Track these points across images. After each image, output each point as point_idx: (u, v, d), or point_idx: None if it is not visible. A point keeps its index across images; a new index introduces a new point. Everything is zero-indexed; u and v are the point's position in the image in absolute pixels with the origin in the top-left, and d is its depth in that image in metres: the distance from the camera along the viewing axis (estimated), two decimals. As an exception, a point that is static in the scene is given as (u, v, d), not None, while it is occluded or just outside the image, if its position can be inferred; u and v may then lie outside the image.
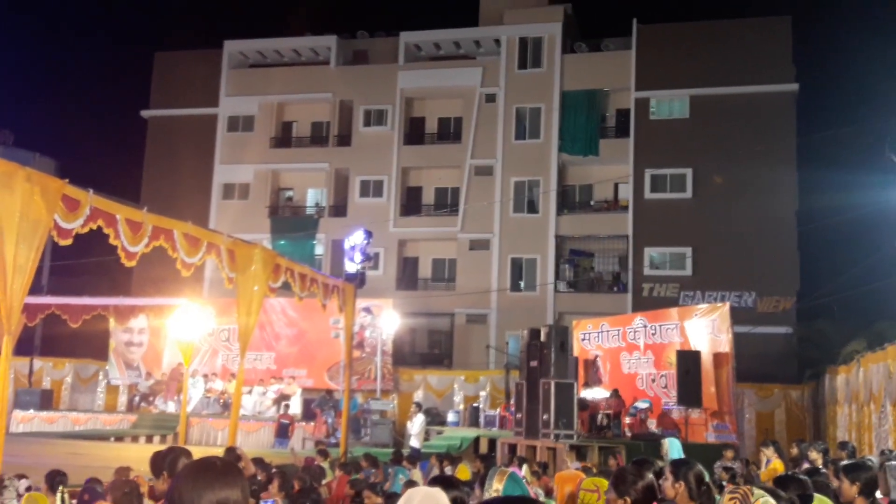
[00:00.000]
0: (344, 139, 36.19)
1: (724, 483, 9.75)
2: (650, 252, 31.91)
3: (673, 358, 19.62)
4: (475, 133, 34.46)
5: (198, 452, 2.56)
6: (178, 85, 37.29)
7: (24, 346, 24.96)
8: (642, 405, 19.29)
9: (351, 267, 17.66)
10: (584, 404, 18.32)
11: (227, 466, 2.47)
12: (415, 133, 36.32)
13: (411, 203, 35.73)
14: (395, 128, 35.45)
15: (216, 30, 35.70)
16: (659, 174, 32.08)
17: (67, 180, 10.07)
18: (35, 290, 18.13)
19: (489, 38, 35.67)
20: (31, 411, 22.75)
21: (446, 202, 35.48)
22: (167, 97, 37.57)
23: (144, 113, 38.19)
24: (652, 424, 18.82)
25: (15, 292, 8.84)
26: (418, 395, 26.01)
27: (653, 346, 21.20)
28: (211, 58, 37.23)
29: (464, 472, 11.84)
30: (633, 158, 32.48)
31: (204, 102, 37.02)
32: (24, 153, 38.58)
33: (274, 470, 9.25)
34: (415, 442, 20.05)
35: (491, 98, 34.73)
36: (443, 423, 23.71)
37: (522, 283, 33.18)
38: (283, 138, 37.33)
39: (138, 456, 5.12)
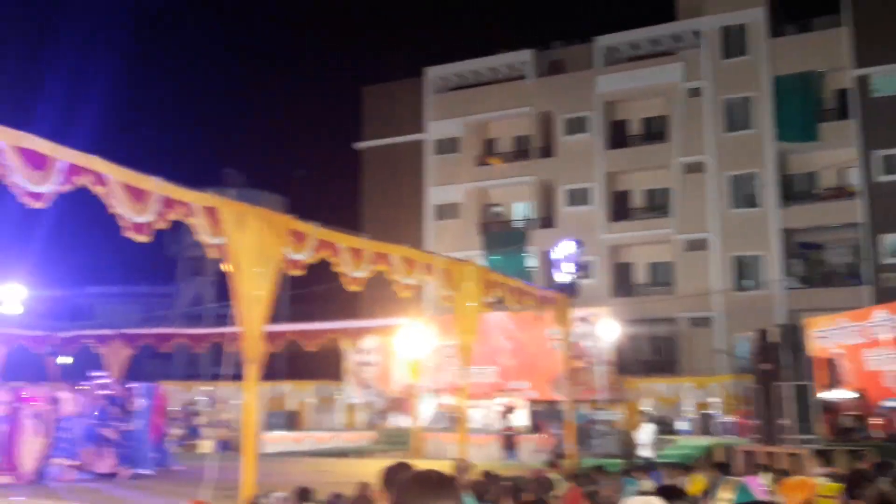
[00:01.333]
0: (546, 150, 36.26)
1: None
2: (888, 239, 29.37)
3: (924, 351, 17.90)
4: (681, 130, 33.37)
5: (430, 466, 2.69)
6: (386, 115, 38.99)
7: (270, 371, 26.94)
8: (891, 404, 17.74)
9: (561, 277, 17.62)
10: (825, 406, 17.13)
11: (442, 479, 2.63)
12: (618, 136, 35.74)
13: (620, 208, 35.14)
14: (597, 134, 35.08)
15: (416, 59, 37.09)
16: (891, 154, 29.54)
17: (294, 216, 10.82)
18: (277, 318, 19.56)
19: (688, 32, 34.52)
20: (280, 432, 24.44)
21: (657, 204, 34.58)
22: (377, 128, 39.39)
23: (357, 145, 40.21)
24: (904, 424, 17.24)
25: (254, 322, 9.60)
26: (645, 404, 25.39)
27: (899, 340, 19.42)
28: (414, 86, 38.63)
29: (698, 482, 11.40)
30: (858, 140, 30.14)
31: (411, 129, 38.45)
32: (255, 193, 41.88)
33: (503, 482, 9.37)
34: (646, 452, 19.57)
35: (695, 92, 33.54)
36: (671, 431, 23.00)
37: (748, 282, 31.62)
38: (488, 155, 38.00)
39: (377, 471, 5.37)
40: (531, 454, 21.43)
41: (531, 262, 35.22)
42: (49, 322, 26.91)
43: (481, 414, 23.40)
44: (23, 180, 7.82)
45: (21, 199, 7.89)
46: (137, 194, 8.77)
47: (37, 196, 7.95)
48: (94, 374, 17.47)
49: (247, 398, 10.03)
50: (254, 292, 9.56)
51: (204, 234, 9.55)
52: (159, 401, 16.99)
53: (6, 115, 7.84)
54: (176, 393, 25.05)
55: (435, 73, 38.67)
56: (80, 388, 15.77)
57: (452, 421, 23.19)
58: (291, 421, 25.84)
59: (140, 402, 16.05)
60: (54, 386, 15.27)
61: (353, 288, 11.94)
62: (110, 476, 14.71)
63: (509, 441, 21.54)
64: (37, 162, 7.96)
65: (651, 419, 20.77)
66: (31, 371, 20.63)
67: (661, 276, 34.28)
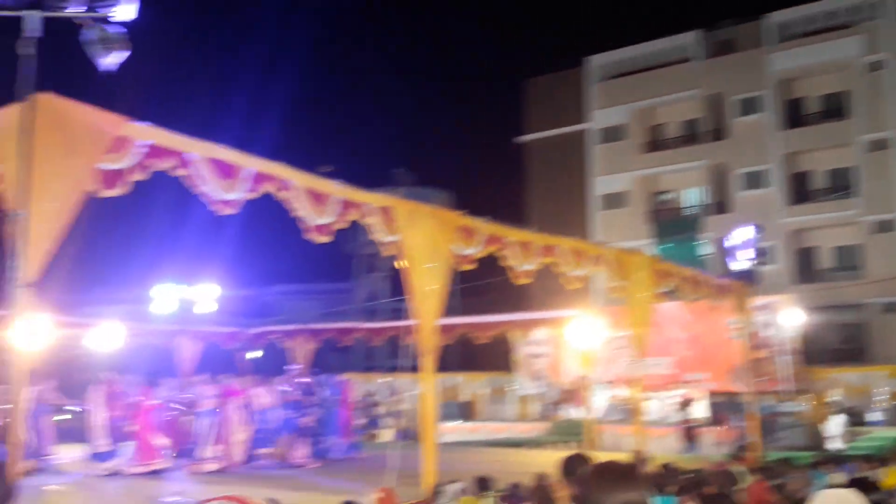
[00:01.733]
0: (718, 133, 34.96)
1: None
2: None
3: None
4: (863, 106, 31.26)
5: (605, 458, 2.70)
6: (549, 106, 38.84)
7: (444, 363, 27.51)
8: None
9: (738, 264, 16.97)
10: None
11: (628, 469, 2.59)
12: (794, 115, 33.94)
13: (800, 190, 33.38)
14: (771, 113, 33.46)
15: (578, 48, 36.80)
16: None
17: (463, 212, 11.05)
18: (451, 311, 19.98)
19: (866, 3, 32.25)
20: (455, 422, 24.94)
21: (840, 184, 32.58)
22: (539, 120, 39.30)
23: (520, 139, 40.29)
24: None
25: (428, 315, 9.89)
26: (834, 395, 24.03)
27: None
28: (576, 76, 38.27)
29: (893, 475, 10.73)
30: None
31: (574, 120, 38.12)
32: (424, 190, 42.78)
33: (684, 475, 9.19)
34: (835, 444, 18.59)
35: (877, 66, 31.32)
36: (862, 422, 21.68)
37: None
38: (656, 142, 37.06)
39: (552, 461, 5.44)
40: (712, 447, 20.78)
41: (705, 249, 34.09)
42: (239, 319, 28.71)
43: (657, 406, 22.92)
44: (214, 189, 8.41)
45: (212, 207, 8.50)
46: (318, 198, 9.24)
47: (226, 203, 8.53)
48: (288, 367, 18.48)
49: (424, 389, 10.36)
50: (427, 287, 9.85)
51: (379, 232, 9.94)
52: (344, 392, 17.76)
53: (195, 126, 8.48)
54: (356, 384, 26.08)
55: (598, 62, 38.13)
56: (276, 380, 16.73)
57: (627, 413, 22.87)
58: (466, 411, 26.30)
59: (327, 394, 16.86)
60: (249, 380, 16.27)
61: (521, 281, 12.05)
62: (304, 465, 15.55)
63: (689, 433, 21.00)
64: (226, 171, 8.54)
65: (840, 410, 19.68)
66: (224, 366, 22.07)
67: (848, 261, 32.29)
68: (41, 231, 6.96)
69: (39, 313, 7.62)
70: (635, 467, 2.64)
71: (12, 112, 7.15)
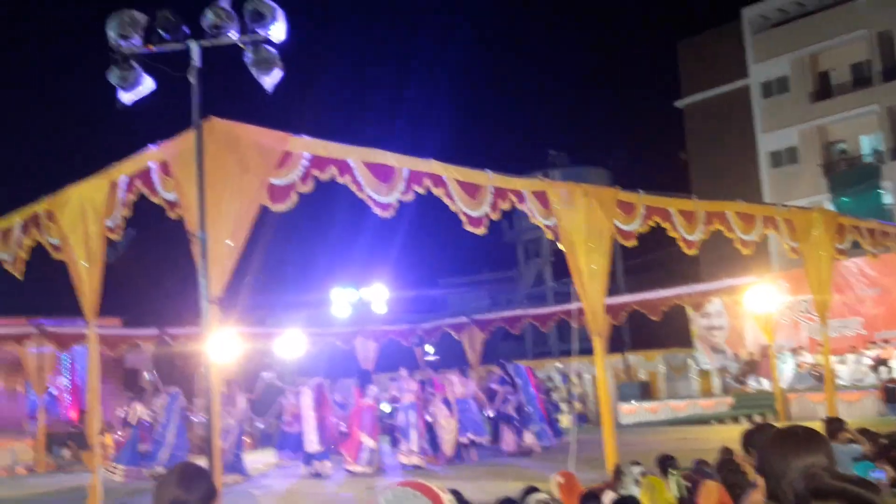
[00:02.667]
0: (891, 73, 32.48)
1: None
2: None
3: None
4: None
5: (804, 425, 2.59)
6: (705, 66, 37.41)
7: (616, 344, 27.12)
8: None
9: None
10: None
11: (809, 433, 2.47)
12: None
13: None
14: (954, 44, 30.76)
15: (730, 0, 35.10)
16: None
17: (619, 187, 10.87)
18: (613, 291, 19.67)
19: None
20: (634, 402, 24.59)
21: None
22: (697, 82, 37.95)
23: (678, 103, 39.04)
24: None
25: (594, 296, 9.81)
26: None
27: None
28: (732, 30, 36.62)
29: None
30: None
31: (733, 77, 36.52)
32: (580, 170, 42.36)
33: (882, 439, 8.67)
34: None
35: None
36: None
37: None
38: (823, 90, 34.89)
39: (737, 436, 5.29)
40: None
41: (887, 199, 31.83)
42: (411, 316, 29.51)
43: (849, 369, 21.67)
44: (373, 193, 8.70)
45: (375, 210, 8.80)
46: (472, 190, 9.37)
47: (385, 206, 8.81)
48: (469, 362, 18.84)
49: (598, 371, 10.29)
50: (590, 267, 9.77)
51: (537, 217, 9.95)
52: (532, 379, 17.93)
53: (354, 134, 8.81)
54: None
55: (753, 12, 36.30)
56: (470, 371, 17.10)
57: (817, 379, 21.78)
58: (644, 391, 25.84)
59: (520, 382, 17.09)
60: (439, 373, 16.68)
61: (690, 251, 11.72)
62: (514, 453, 15.91)
63: (890, 394, 19.74)
64: (383, 174, 8.81)
65: None
66: (402, 361, 22.76)
67: None
68: (221, 249, 7.44)
69: (228, 327, 8.14)
70: (817, 431, 2.53)
71: (186, 139, 7.68)
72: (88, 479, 8.22)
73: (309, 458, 14.48)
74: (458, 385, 15.88)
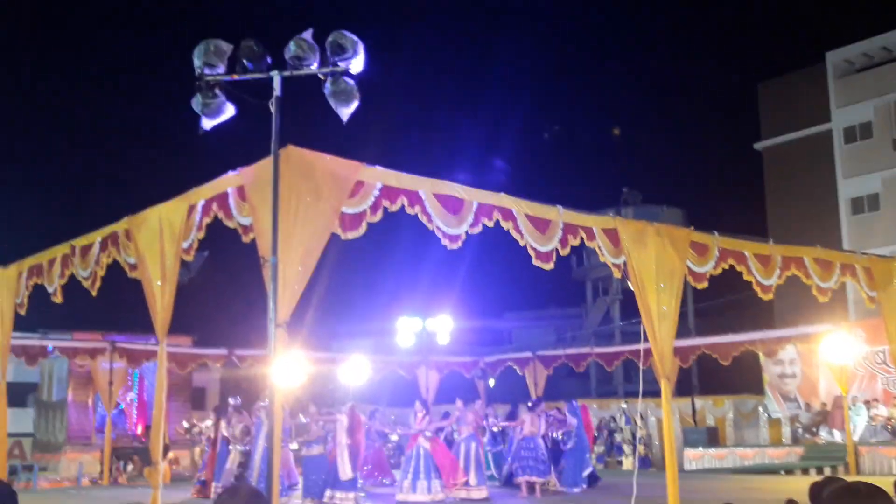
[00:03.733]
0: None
1: None
2: None
3: None
4: None
5: (868, 482, 2.50)
6: (786, 109, 36.75)
7: (684, 387, 26.60)
8: None
9: None
10: None
11: (872, 490, 2.40)
12: None
13: None
14: None
15: (814, 45, 34.51)
16: None
17: (692, 227, 10.71)
18: (683, 333, 19.31)
19: None
20: (700, 448, 23.98)
21: None
22: (777, 124, 37.28)
23: (757, 145, 38.40)
24: None
25: (663, 337, 9.63)
26: None
27: None
28: (814, 74, 35.94)
29: None
30: None
31: (815, 121, 35.77)
32: (653, 208, 41.86)
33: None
34: None
35: None
36: None
37: None
38: (909, 137, 33.88)
39: (805, 488, 5.12)
40: None
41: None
42: (475, 348, 29.43)
43: (929, 426, 20.77)
44: (442, 224, 8.76)
45: (443, 242, 8.85)
46: (542, 225, 9.35)
47: (453, 238, 8.85)
48: (537, 399, 18.55)
49: (664, 414, 10.07)
50: (660, 307, 9.61)
51: (606, 254, 9.86)
52: (586, 417, 17.60)
53: (419, 164, 8.89)
54: (593, 410, 25.79)
55: (838, 56, 35.58)
56: (535, 409, 16.86)
57: (891, 434, 20.95)
58: (711, 437, 25.17)
59: (572, 421, 16.77)
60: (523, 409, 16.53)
61: (765, 296, 11.46)
62: (560, 492, 15.69)
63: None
64: (452, 206, 8.87)
65: None
66: (463, 393, 22.68)
67: None
68: (291, 274, 7.56)
69: (294, 351, 8.24)
70: (882, 489, 2.44)
71: (264, 166, 7.86)
72: (150, 495, 8.36)
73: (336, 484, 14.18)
74: (527, 424, 15.57)
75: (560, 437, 16.53)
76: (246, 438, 14.70)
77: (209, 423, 16.31)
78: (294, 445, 14.65)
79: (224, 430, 15.22)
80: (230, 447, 15.05)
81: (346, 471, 13.79)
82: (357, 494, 13.93)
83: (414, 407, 15.18)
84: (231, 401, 15.70)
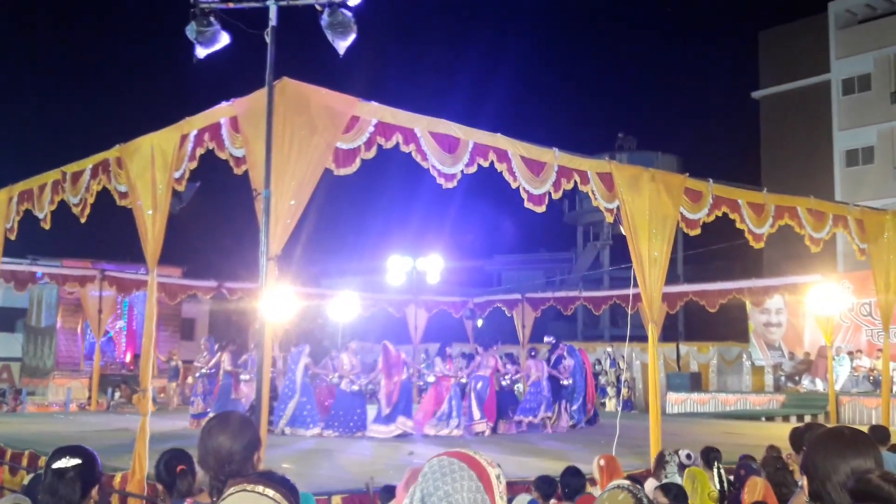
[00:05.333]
0: None
1: None
2: None
3: None
4: None
5: (853, 427, 2.51)
6: (785, 59, 36.42)
7: (669, 333, 26.81)
8: None
9: None
10: None
11: (857, 435, 2.40)
12: None
13: None
14: None
15: (816, -7, 34.01)
16: None
17: (687, 174, 10.68)
18: (672, 279, 19.38)
19: None
20: (683, 393, 24.32)
21: None
22: (776, 74, 36.99)
23: (755, 94, 38.14)
24: None
25: (653, 283, 9.68)
26: None
27: None
28: (816, 24, 35.54)
29: None
30: None
31: (814, 71, 35.48)
32: (648, 154, 41.71)
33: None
34: None
35: None
36: None
37: None
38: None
39: (787, 434, 5.21)
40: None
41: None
42: (464, 289, 29.57)
43: (909, 378, 21.09)
44: (437, 163, 8.70)
45: (438, 181, 8.80)
46: (536, 167, 9.30)
47: (449, 177, 8.80)
48: (547, 339, 19.02)
49: (649, 359, 10.18)
50: (651, 253, 9.63)
51: (600, 199, 9.84)
52: (585, 361, 18.02)
53: (420, 105, 8.79)
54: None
55: (840, 7, 35.14)
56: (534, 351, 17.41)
57: (872, 384, 21.28)
58: (694, 382, 25.51)
59: (569, 363, 17.22)
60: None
61: (757, 245, 11.51)
62: (562, 431, 16.23)
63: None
64: (448, 145, 8.80)
65: None
66: (451, 333, 22.85)
67: None
68: (283, 208, 7.52)
69: (284, 285, 8.24)
70: (866, 434, 2.45)
71: (258, 97, 7.76)
72: (138, 421, 8.44)
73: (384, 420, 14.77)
74: (533, 370, 16.45)
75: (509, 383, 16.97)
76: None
77: (206, 355, 16.38)
78: (340, 382, 15.01)
79: (227, 364, 15.31)
80: (241, 378, 15.39)
81: (384, 406, 14.46)
82: (392, 427, 14.44)
83: (446, 352, 16.07)
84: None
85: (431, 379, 15.68)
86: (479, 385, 15.54)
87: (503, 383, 16.34)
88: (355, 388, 14.93)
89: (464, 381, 15.62)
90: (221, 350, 15.75)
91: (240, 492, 2.25)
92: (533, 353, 17.26)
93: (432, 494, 1.84)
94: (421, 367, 17.36)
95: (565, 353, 17.42)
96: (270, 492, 2.24)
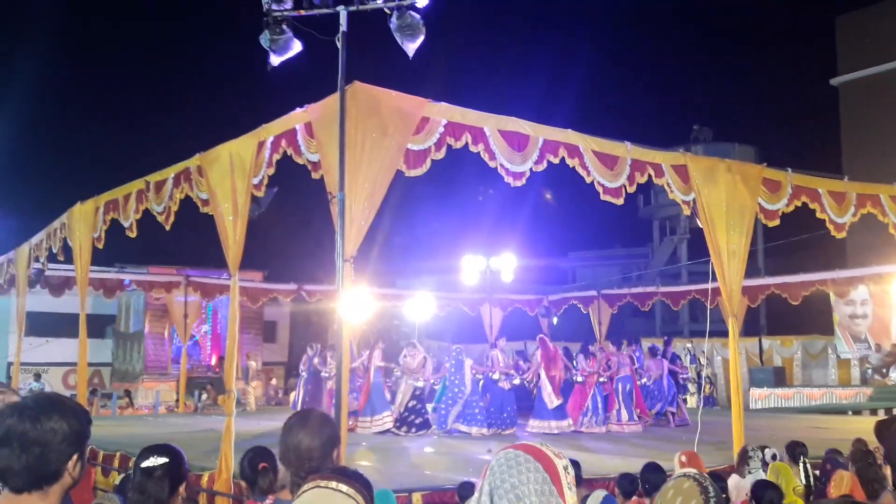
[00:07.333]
0: None
1: None
2: None
3: None
4: None
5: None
6: (864, 44, 35.24)
7: (751, 327, 26.26)
8: None
9: None
10: None
11: None
12: None
13: None
14: None
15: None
16: None
17: (765, 164, 10.48)
18: (752, 272, 18.97)
19: None
20: (766, 388, 23.77)
21: None
22: (854, 59, 35.82)
23: (833, 81, 37.03)
24: None
25: (732, 276, 9.51)
26: None
27: None
28: (894, 7, 34.32)
29: None
30: None
31: (894, 56, 34.28)
32: (724, 145, 40.81)
33: None
34: None
35: None
36: None
37: None
38: None
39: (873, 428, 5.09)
40: None
41: None
42: (539, 287, 29.45)
43: None
44: (506, 161, 8.73)
45: (505, 179, 8.83)
46: (609, 161, 9.24)
47: (517, 175, 8.82)
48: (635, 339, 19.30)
49: (730, 354, 10.01)
50: (730, 246, 9.48)
51: (676, 191, 9.72)
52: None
53: (491, 104, 8.83)
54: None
55: (922, -14, 33.89)
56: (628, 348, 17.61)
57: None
58: (778, 377, 24.92)
59: (647, 361, 17.49)
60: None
61: (839, 235, 11.21)
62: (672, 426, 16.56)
63: None
64: (518, 143, 8.82)
65: None
66: (527, 331, 22.80)
67: None
68: (358, 210, 7.65)
69: (360, 286, 8.39)
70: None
71: (330, 102, 7.91)
72: (224, 422, 8.68)
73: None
74: (654, 369, 17.08)
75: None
76: (420, 371, 15.23)
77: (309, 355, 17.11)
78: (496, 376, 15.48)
79: (378, 361, 15.49)
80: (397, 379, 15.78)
81: (552, 400, 14.89)
82: (565, 423, 14.97)
83: (589, 350, 16.57)
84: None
85: (580, 379, 15.85)
86: (628, 387, 16.00)
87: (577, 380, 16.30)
88: (514, 383, 15.48)
89: (602, 379, 15.87)
90: (371, 348, 15.89)
91: (314, 488, 2.28)
92: (655, 351, 17.80)
93: (499, 487, 1.87)
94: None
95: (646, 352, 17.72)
96: (344, 487, 2.26)
